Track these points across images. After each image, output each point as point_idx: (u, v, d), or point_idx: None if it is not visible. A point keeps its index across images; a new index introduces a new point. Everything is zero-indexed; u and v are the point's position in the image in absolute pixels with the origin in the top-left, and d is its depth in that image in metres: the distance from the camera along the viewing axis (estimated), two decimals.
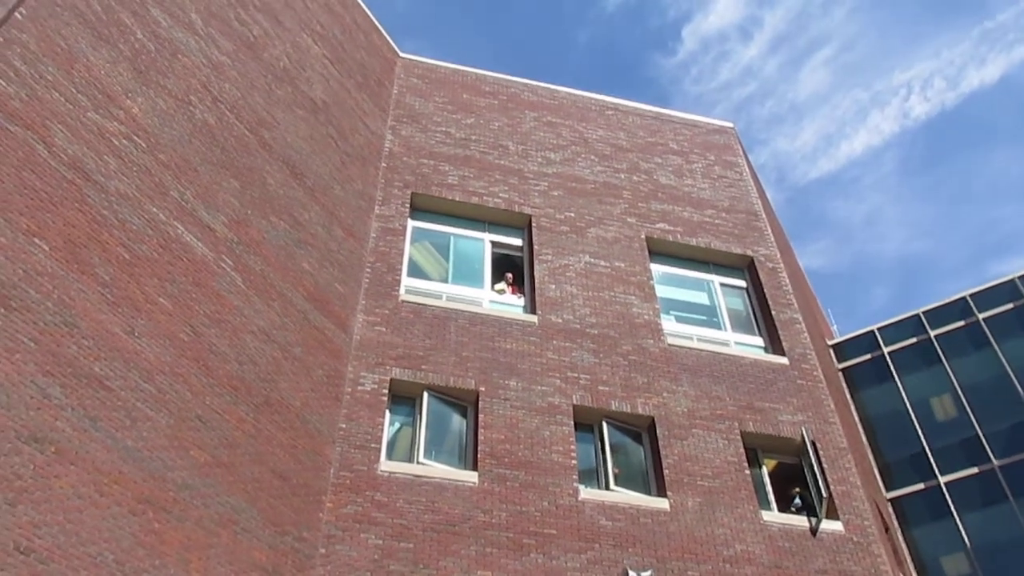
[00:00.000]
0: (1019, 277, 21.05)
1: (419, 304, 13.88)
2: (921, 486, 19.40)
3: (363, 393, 12.38)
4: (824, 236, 72.67)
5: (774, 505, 13.20)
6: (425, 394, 12.78)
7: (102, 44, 10.44)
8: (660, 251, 16.68)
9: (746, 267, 17.01)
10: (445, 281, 14.93)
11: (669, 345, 14.66)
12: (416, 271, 14.83)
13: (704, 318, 16.02)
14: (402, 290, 14.09)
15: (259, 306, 11.26)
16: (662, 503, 12.43)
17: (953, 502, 18.76)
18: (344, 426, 11.91)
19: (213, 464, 9.47)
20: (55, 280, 8.46)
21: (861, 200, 73.07)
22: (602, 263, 15.72)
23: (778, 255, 17.31)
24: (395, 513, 11.23)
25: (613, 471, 12.84)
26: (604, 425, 13.32)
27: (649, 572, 11.30)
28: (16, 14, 9.26)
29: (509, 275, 15.27)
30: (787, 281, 16.66)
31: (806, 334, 15.77)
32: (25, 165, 8.67)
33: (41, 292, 8.26)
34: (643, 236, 16.55)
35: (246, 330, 10.85)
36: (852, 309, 69.28)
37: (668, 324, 15.32)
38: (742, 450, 13.42)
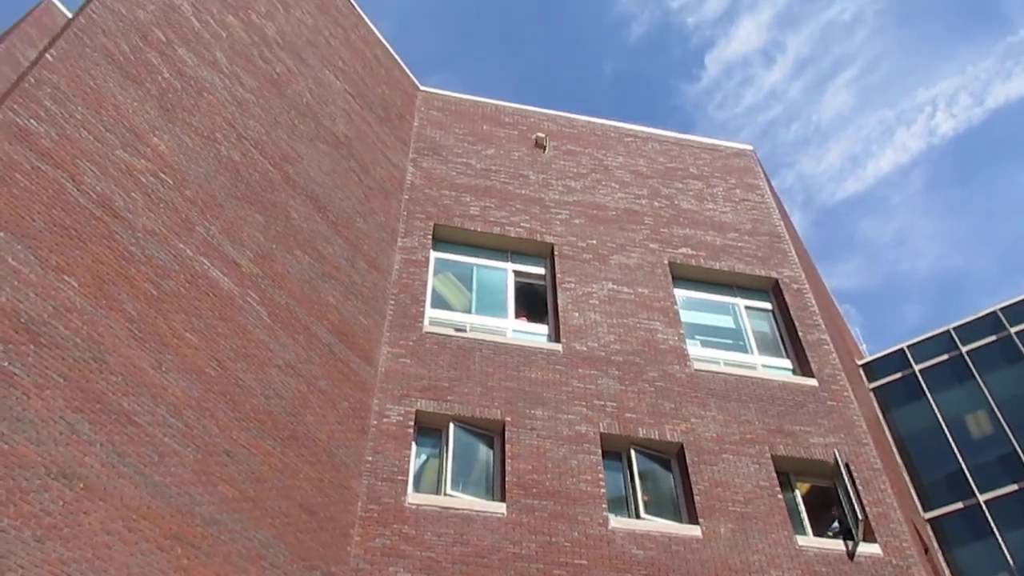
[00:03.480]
0: None
1: (443, 335, 13.86)
2: (960, 505, 18.96)
3: (389, 425, 12.34)
4: (855, 256, 72.15)
5: (809, 529, 12.94)
6: (451, 425, 12.71)
7: (130, 84, 10.63)
8: (683, 276, 16.59)
9: (771, 289, 16.86)
10: (468, 311, 14.93)
11: (695, 370, 14.52)
12: (439, 302, 14.85)
13: (730, 342, 15.87)
14: (426, 321, 14.09)
15: (284, 340, 11.29)
16: (694, 530, 12.22)
17: (994, 520, 18.29)
18: (371, 459, 11.86)
19: (241, 499, 9.45)
20: (84, 316, 8.54)
21: (890, 219, 72.60)
22: (625, 290, 15.66)
23: (803, 276, 17.15)
24: (423, 546, 11.12)
25: (643, 499, 12.67)
26: (632, 452, 13.17)
27: None
28: (47, 55, 9.47)
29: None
30: (813, 302, 16.49)
31: (834, 355, 15.56)
32: (55, 203, 8.81)
33: (70, 328, 8.34)
34: (666, 261, 16.49)
35: (272, 364, 10.88)
36: (886, 329, 68.52)
37: (694, 349, 15.19)
38: (774, 474, 13.20)
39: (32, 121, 8.98)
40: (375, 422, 12.30)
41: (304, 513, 10.25)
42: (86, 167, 9.40)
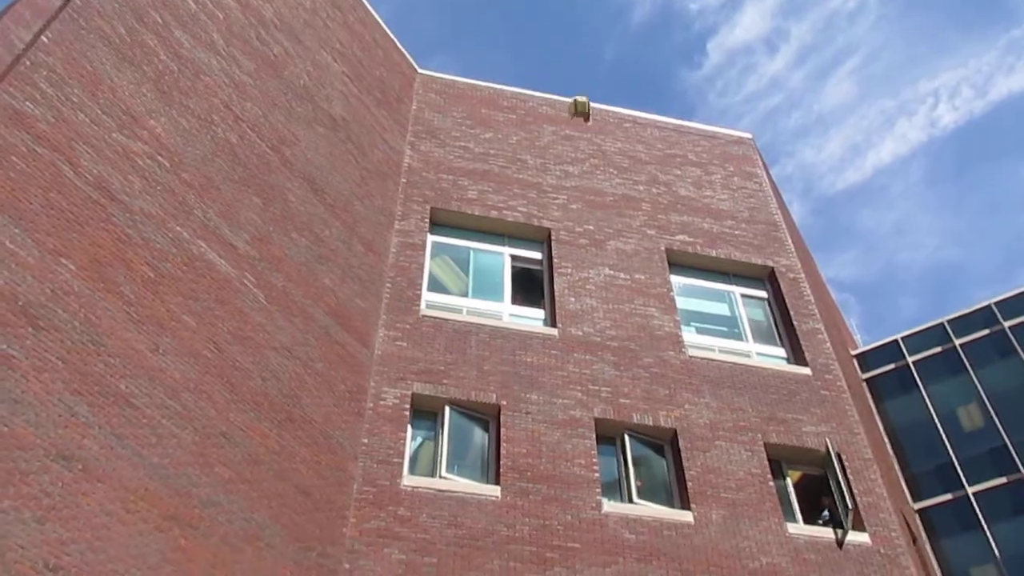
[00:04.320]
0: None
1: (440, 318, 13.92)
2: (949, 497, 19.14)
3: (385, 408, 12.43)
4: (853, 246, 72.24)
5: (799, 517, 13.08)
6: (447, 408, 12.80)
7: (126, 66, 10.60)
8: (680, 263, 16.65)
9: (767, 278, 16.92)
10: (465, 295, 14.98)
11: (690, 357, 14.60)
12: (436, 286, 14.89)
13: (725, 329, 15.95)
14: (423, 305, 14.14)
15: (281, 322, 11.34)
16: (686, 516, 12.35)
17: (982, 512, 18.49)
18: (367, 441, 11.95)
19: (237, 480, 9.53)
20: (81, 299, 8.57)
21: (890, 209, 72.64)
22: (622, 275, 15.71)
23: (799, 265, 17.21)
24: (418, 528, 11.23)
25: (636, 484, 12.79)
26: (626, 438, 13.28)
27: None
28: (43, 38, 9.43)
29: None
30: (808, 291, 16.56)
31: (828, 344, 15.66)
32: (52, 186, 8.82)
33: (68, 311, 8.37)
34: (663, 248, 16.53)
35: (269, 346, 10.93)
36: (882, 320, 68.73)
37: (689, 336, 15.27)
38: (766, 462, 13.33)
39: (28, 104, 8.96)
40: (371, 405, 12.38)
41: (300, 495, 10.34)
42: (83, 150, 9.40)
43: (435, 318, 13.90)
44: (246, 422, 10.01)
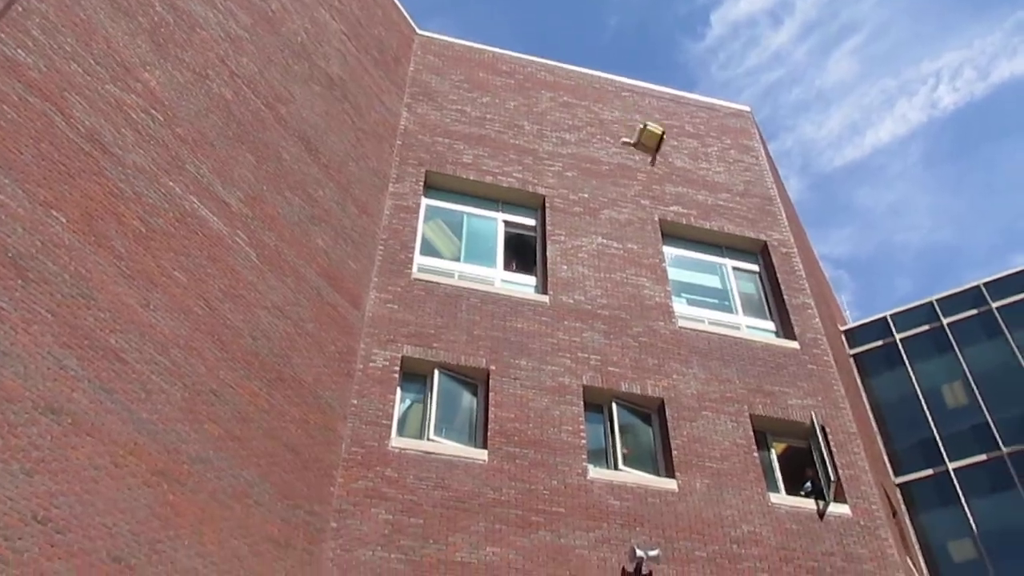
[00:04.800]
0: None
1: (431, 282, 13.92)
2: (930, 472, 19.44)
3: (375, 370, 12.46)
4: (850, 223, 72.31)
5: (782, 488, 13.25)
6: (436, 372, 12.84)
7: (121, 16, 10.44)
8: (673, 234, 16.64)
9: (759, 251, 16.96)
10: (457, 260, 14.96)
11: (680, 327, 14.67)
12: (429, 249, 14.86)
13: (716, 301, 16.01)
14: (415, 268, 14.13)
15: (273, 282, 11.32)
16: (670, 484, 12.49)
17: (961, 488, 18.78)
18: (356, 402, 12.00)
19: (226, 438, 9.57)
20: (72, 252, 8.52)
21: (887, 189, 72.62)
22: (615, 245, 15.71)
23: (792, 240, 17.24)
24: (405, 489, 11.33)
25: (622, 451, 12.91)
26: (614, 406, 13.37)
27: (656, 551, 11.37)
28: None
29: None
30: (800, 266, 16.61)
31: (818, 319, 15.74)
32: (43, 136, 8.72)
33: (58, 264, 8.33)
34: (656, 218, 16.52)
35: (260, 305, 10.91)
36: (875, 298, 69.05)
37: (679, 307, 15.32)
38: (751, 433, 13.46)
39: (20, 51, 8.83)
40: (361, 366, 12.42)
41: (289, 453, 10.40)
42: (75, 100, 9.28)
43: (427, 282, 13.89)
44: (236, 380, 10.02)
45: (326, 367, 11.69)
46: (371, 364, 12.50)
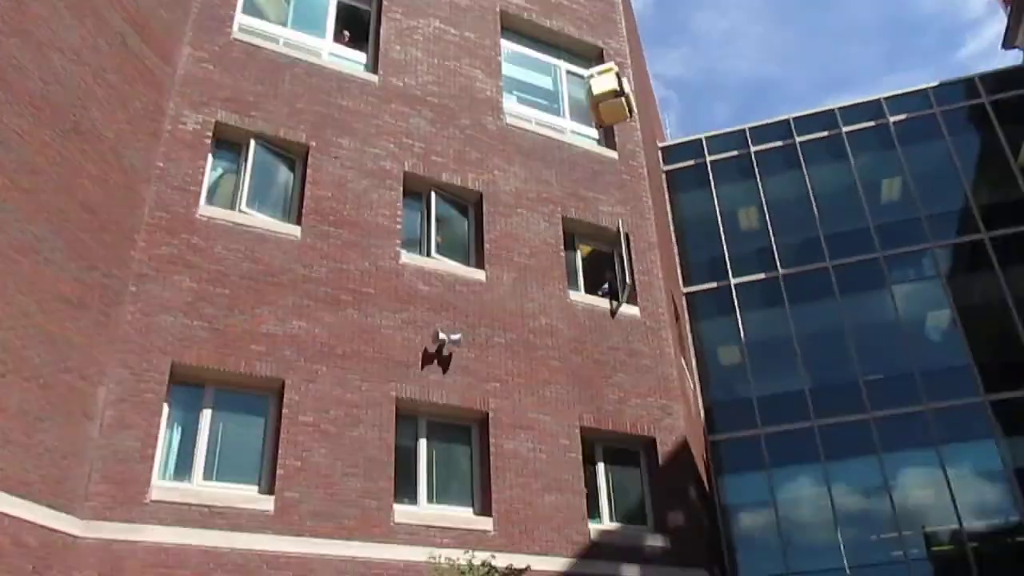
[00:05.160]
0: (838, 108, 22.46)
1: (253, 45, 12.98)
2: (714, 285, 21.38)
3: (184, 133, 11.73)
4: (683, 45, 73.18)
5: (582, 287, 14.14)
6: (252, 142, 12.27)
7: None
8: (513, 28, 16.25)
9: (595, 57, 16.96)
10: (284, 25, 13.95)
11: (507, 124, 14.71)
12: (252, 8, 13.69)
13: (545, 103, 16.08)
14: (235, 27, 13.06)
15: (68, 20, 10.12)
16: (479, 274, 12.99)
17: (738, 301, 20.89)
18: (162, 165, 11.34)
19: (11, 188, 8.83)
20: None
21: (723, 15, 73.48)
22: (452, 31, 15.18)
23: (627, 51, 17.35)
24: (212, 259, 11.08)
25: (436, 240, 13.17)
26: (432, 195, 13.46)
27: (458, 335, 11.98)
28: None
29: (346, 33, 14.43)
30: (630, 78, 16.85)
31: (639, 132, 16.27)
32: None
33: None
34: (498, 9, 16.01)
35: (52, 46, 9.79)
36: (696, 121, 71.54)
37: (509, 103, 15.27)
38: (561, 233, 14.08)
39: None
40: (169, 127, 11.64)
41: (85, 212, 9.80)
42: None
43: (248, 44, 12.94)
44: (22, 127, 9.12)
45: (129, 124, 10.86)
46: (180, 126, 11.74)
